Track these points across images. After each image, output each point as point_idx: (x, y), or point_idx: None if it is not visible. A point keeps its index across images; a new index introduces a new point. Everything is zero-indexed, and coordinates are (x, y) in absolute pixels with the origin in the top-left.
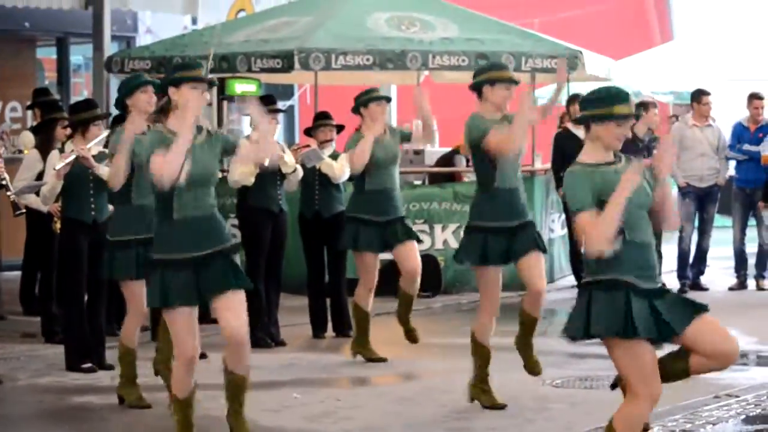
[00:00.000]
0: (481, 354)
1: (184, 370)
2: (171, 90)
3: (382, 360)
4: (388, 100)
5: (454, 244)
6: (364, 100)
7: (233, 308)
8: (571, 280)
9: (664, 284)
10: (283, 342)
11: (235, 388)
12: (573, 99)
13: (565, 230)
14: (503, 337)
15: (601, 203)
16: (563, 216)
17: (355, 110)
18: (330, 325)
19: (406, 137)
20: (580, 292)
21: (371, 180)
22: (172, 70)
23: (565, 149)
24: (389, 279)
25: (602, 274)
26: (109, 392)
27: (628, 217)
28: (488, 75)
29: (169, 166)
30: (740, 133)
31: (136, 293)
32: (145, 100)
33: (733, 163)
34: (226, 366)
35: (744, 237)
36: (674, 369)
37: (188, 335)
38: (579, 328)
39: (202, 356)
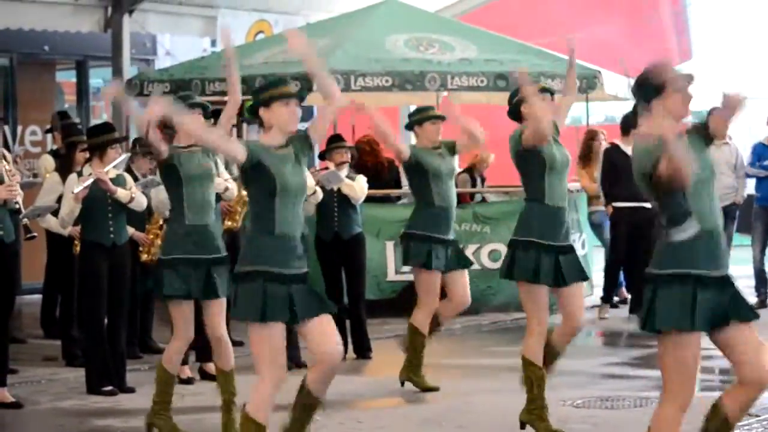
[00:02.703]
0: (536, 376)
1: (274, 390)
2: (261, 110)
3: (434, 389)
4: (443, 119)
5: (475, 265)
6: (419, 118)
7: (330, 332)
8: (591, 300)
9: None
10: (305, 364)
11: (310, 411)
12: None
13: (585, 250)
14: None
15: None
16: (583, 235)
17: (409, 127)
18: (350, 346)
19: (452, 148)
20: (645, 284)
21: (439, 195)
22: (258, 90)
23: (616, 164)
24: (408, 301)
25: (668, 268)
26: (130, 415)
27: (694, 201)
28: (521, 95)
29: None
30: (761, 152)
31: (185, 315)
32: None
33: (753, 182)
34: (307, 388)
35: (763, 256)
36: (715, 428)
37: (282, 353)
38: (642, 319)
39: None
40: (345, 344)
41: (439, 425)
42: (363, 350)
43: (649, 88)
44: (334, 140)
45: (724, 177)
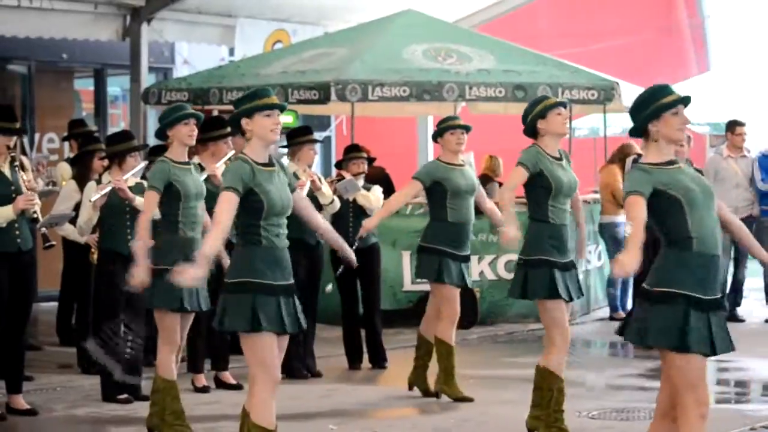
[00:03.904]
0: (558, 387)
1: (270, 396)
2: (244, 121)
3: (469, 400)
4: (466, 129)
5: (491, 276)
6: (441, 128)
7: (282, 353)
8: (606, 311)
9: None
10: (320, 373)
11: None
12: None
13: (602, 261)
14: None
15: (665, 197)
16: (600, 247)
17: (434, 138)
18: (366, 356)
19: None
20: (639, 299)
21: (454, 211)
22: (240, 100)
23: None
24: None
25: (664, 286)
26: (145, 423)
27: (697, 223)
28: (537, 109)
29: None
30: (765, 165)
31: (170, 324)
32: (186, 132)
33: None
34: (248, 413)
35: None
36: None
37: (275, 359)
38: (635, 335)
39: (238, 387)
40: (360, 354)
41: None
42: (378, 360)
43: (645, 112)
44: (352, 150)
45: (741, 189)
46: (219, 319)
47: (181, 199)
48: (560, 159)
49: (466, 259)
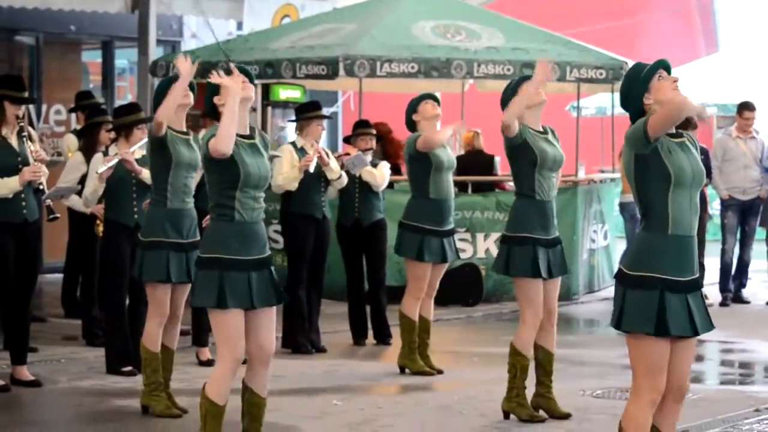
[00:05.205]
0: (521, 365)
1: (230, 372)
2: (215, 99)
3: (430, 374)
4: (436, 99)
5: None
6: (414, 102)
7: (269, 327)
8: (612, 291)
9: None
10: (324, 349)
11: (258, 409)
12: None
13: (608, 241)
14: None
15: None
16: (606, 227)
17: (409, 121)
18: (371, 332)
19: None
20: (616, 284)
21: (435, 187)
22: (207, 90)
23: None
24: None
25: (638, 270)
26: None
27: (674, 206)
28: (508, 92)
29: (222, 138)
30: None
31: (159, 296)
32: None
33: None
34: (247, 386)
35: None
36: None
37: (240, 337)
38: (613, 320)
39: (243, 361)
40: (365, 330)
41: (459, 413)
42: (383, 336)
43: (636, 89)
44: (360, 126)
45: (750, 171)
46: (192, 295)
47: (171, 166)
48: (545, 133)
49: (449, 233)
